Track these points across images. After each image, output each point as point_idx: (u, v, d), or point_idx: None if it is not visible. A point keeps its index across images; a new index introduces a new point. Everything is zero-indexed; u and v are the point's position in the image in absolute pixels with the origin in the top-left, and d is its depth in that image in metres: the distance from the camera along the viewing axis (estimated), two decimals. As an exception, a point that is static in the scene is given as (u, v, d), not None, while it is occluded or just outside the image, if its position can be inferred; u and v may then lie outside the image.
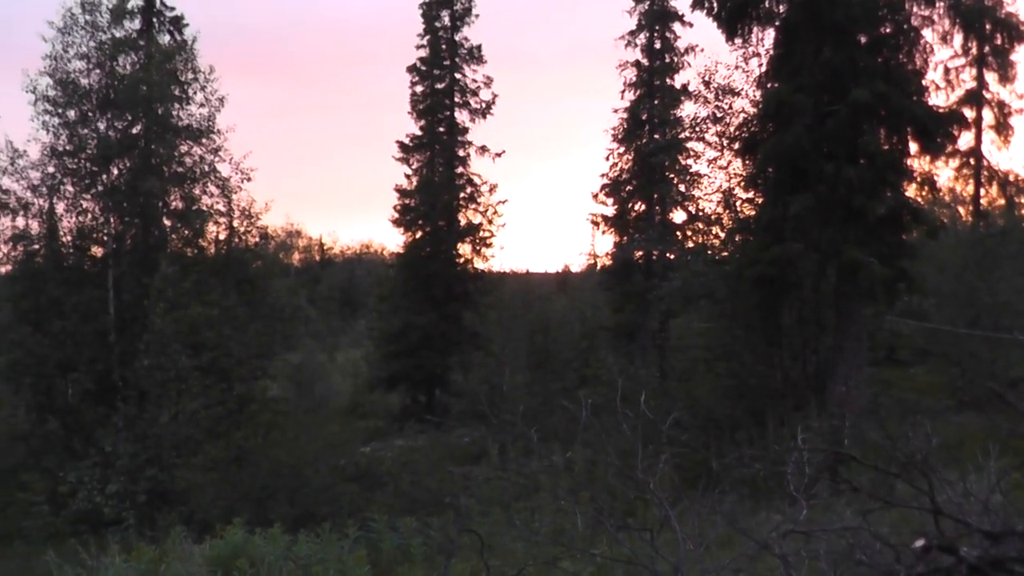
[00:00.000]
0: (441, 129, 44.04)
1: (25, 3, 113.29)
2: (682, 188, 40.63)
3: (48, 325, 27.83)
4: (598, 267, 48.81)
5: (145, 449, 25.03)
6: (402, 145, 43.89)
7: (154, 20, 33.36)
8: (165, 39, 33.01)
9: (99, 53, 29.20)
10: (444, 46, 43.77)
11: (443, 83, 43.90)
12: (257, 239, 31.97)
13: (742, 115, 27.04)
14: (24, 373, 28.10)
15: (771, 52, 23.37)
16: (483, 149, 43.69)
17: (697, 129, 32.02)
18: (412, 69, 43.89)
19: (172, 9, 33.67)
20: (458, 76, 43.87)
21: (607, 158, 42.35)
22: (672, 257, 38.29)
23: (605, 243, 45.48)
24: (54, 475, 24.99)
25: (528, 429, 11.89)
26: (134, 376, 26.38)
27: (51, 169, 29.13)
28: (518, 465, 15.61)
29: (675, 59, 41.65)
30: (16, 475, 25.51)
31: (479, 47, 43.89)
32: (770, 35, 23.40)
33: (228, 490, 22.27)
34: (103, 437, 25.57)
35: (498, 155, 43.80)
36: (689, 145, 38.81)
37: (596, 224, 42.64)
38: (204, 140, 30.34)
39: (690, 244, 36.10)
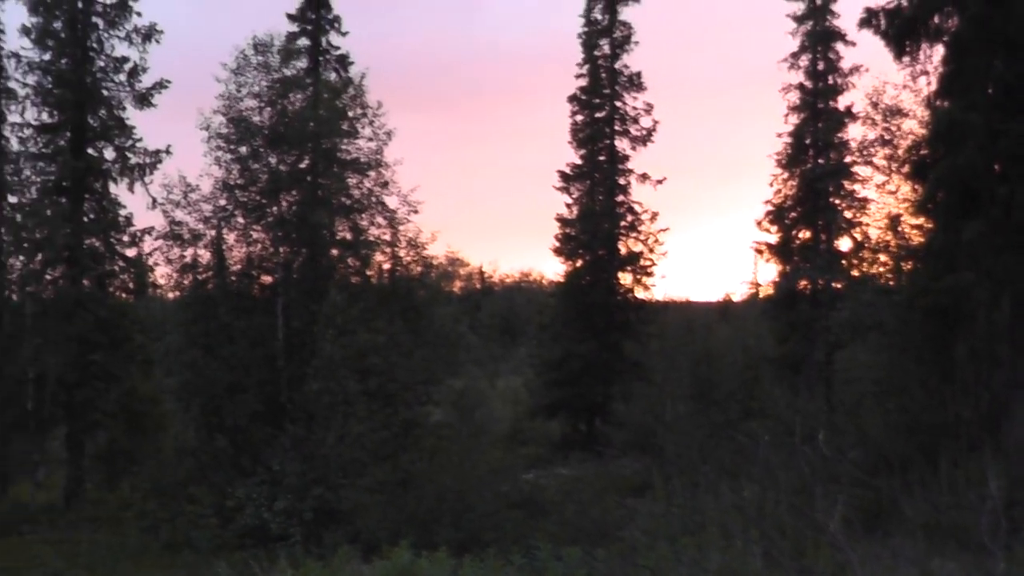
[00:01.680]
0: (602, 157, 44.26)
1: (196, 47, 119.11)
2: (848, 214, 39.57)
3: (218, 349, 28.83)
4: (761, 296, 47.93)
5: (312, 469, 25.66)
6: (563, 174, 44.34)
7: (321, 59, 34.62)
8: (332, 76, 34.19)
9: (270, 92, 30.51)
10: (604, 74, 44.04)
11: (603, 111, 44.15)
12: (422, 268, 32.69)
13: (911, 137, 26.18)
14: (195, 394, 29.29)
15: (940, 69, 22.42)
16: (644, 177, 43.76)
17: (864, 152, 31.17)
18: (572, 98, 44.35)
19: (338, 48, 34.94)
20: (618, 104, 44.10)
21: (770, 184, 41.62)
22: (838, 286, 37.33)
23: (768, 271, 44.66)
24: (222, 490, 25.86)
25: (697, 462, 11.75)
26: (302, 399, 27.07)
27: (222, 202, 30.43)
28: (684, 498, 15.42)
29: (839, 80, 40.60)
30: (185, 488, 26.61)
31: (639, 74, 44.08)
32: (939, 52, 22.45)
33: (394, 512, 22.76)
34: (271, 456, 26.37)
35: (659, 182, 43.86)
36: (855, 169, 37.98)
37: (759, 252, 41.86)
38: (372, 173, 31.27)
39: (856, 273, 35.10)
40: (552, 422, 44.13)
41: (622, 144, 44.05)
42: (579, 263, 44.12)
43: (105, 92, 32.39)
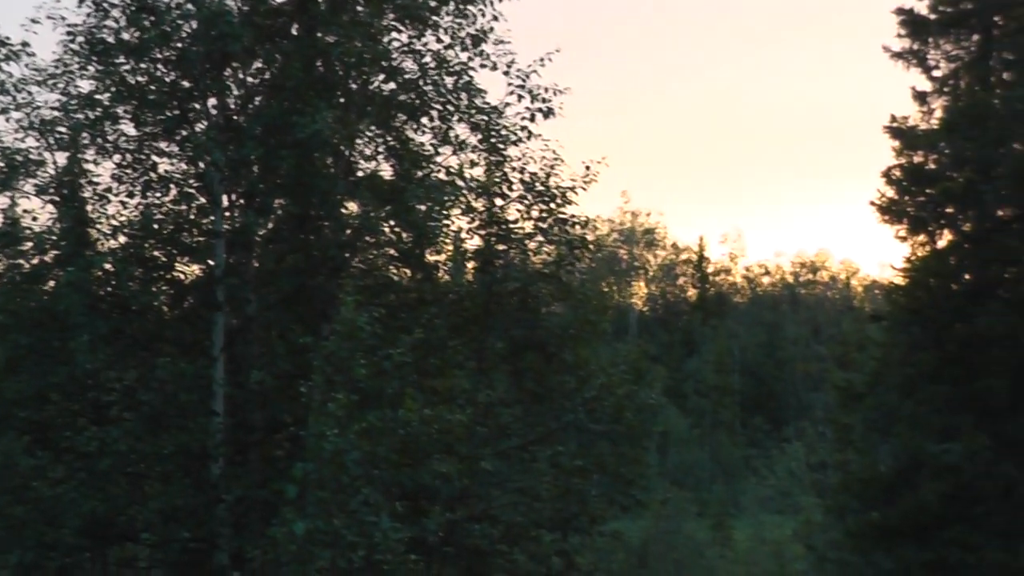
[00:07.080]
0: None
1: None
2: None
3: (61, 437, 17.16)
4: None
5: None
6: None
7: None
8: None
9: None
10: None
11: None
12: (564, 250, 18.53)
13: None
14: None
15: None
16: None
17: None
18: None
19: None
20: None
21: None
22: None
23: None
24: None
25: None
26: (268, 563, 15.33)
27: (85, 85, 18.22)
28: None
29: None
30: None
31: None
32: None
33: None
34: None
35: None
36: None
37: None
38: (447, 16, 17.66)
39: None
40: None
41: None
42: (942, 238, 21.98)
43: None
